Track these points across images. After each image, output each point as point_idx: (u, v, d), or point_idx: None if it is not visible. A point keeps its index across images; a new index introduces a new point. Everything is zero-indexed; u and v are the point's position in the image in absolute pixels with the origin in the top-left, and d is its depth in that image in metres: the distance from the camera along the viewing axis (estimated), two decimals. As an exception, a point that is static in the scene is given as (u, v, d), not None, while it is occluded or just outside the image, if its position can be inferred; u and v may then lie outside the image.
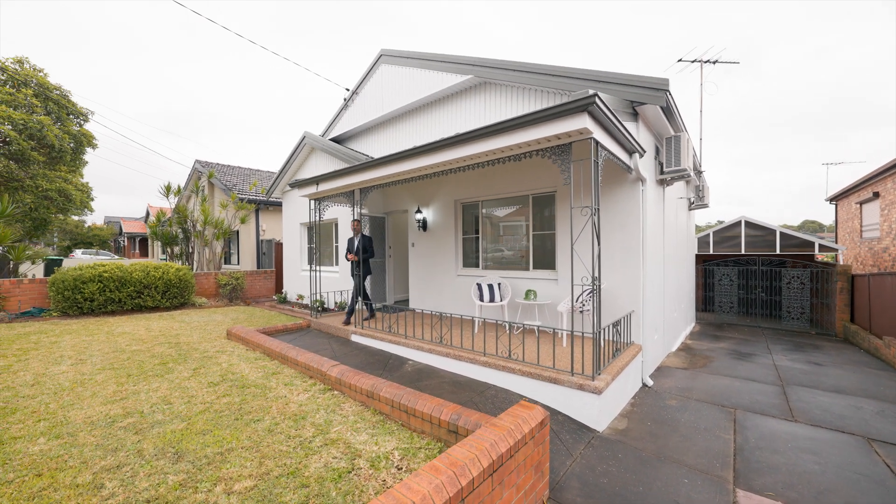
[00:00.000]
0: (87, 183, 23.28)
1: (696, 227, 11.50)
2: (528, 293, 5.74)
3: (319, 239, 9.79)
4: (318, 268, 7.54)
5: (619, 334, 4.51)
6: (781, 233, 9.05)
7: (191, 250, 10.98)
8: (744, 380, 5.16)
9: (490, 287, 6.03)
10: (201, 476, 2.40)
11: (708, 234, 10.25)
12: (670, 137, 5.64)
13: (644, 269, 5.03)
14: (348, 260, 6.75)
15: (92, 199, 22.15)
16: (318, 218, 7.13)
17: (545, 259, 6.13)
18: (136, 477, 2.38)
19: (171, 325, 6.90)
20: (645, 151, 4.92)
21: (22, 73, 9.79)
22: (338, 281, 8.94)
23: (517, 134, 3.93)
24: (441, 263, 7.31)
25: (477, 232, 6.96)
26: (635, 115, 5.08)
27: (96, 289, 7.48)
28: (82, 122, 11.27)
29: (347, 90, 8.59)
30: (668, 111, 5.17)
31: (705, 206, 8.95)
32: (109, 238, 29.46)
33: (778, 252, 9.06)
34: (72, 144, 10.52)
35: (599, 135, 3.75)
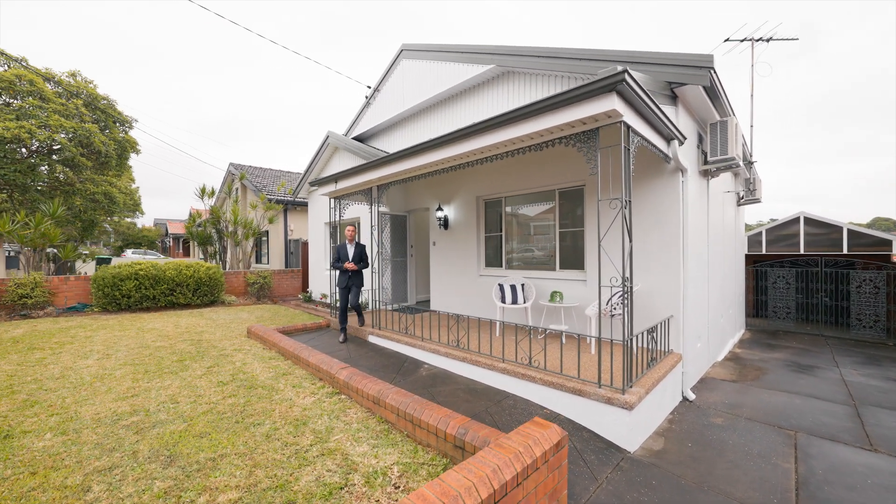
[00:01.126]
0: (137, 188, 25.03)
1: (746, 225, 10.48)
2: (553, 295, 5.33)
3: (342, 238, 9.79)
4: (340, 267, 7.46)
5: (656, 342, 4.03)
6: (849, 230, 8.01)
7: (224, 250, 11.38)
8: (805, 397, 4.50)
9: (512, 288, 5.68)
10: (188, 484, 2.26)
11: (760, 233, 9.29)
12: (715, 123, 5.06)
13: (684, 269, 4.50)
14: (344, 269, 5.94)
15: (138, 203, 23.74)
16: (338, 217, 7.07)
17: (573, 258, 5.70)
18: (125, 481, 2.28)
19: (197, 322, 7.08)
20: (685, 138, 4.41)
21: (74, 86, 10.62)
22: (360, 280, 8.87)
23: (537, 120, 3.58)
24: (463, 263, 7.03)
25: (500, 230, 6.63)
26: (674, 99, 4.57)
27: (132, 286, 7.84)
28: (127, 129, 12.07)
29: (369, 87, 8.52)
30: (713, 93, 4.61)
31: (756, 200, 8.09)
32: (157, 239, 31.70)
33: (845, 252, 8.02)
34: (117, 150, 11.26)
35: (631, 118, 3.34)
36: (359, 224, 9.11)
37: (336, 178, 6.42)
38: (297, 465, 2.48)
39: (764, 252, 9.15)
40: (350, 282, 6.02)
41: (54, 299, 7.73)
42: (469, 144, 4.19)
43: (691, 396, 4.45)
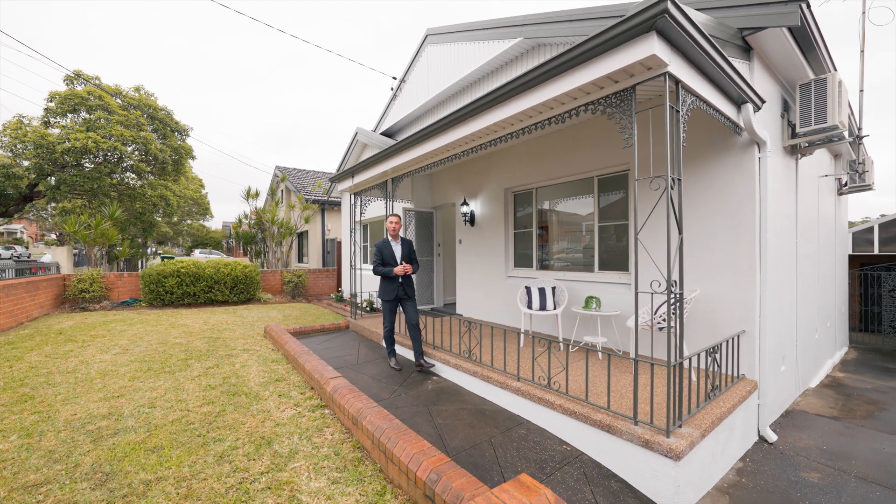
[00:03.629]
0: (206, 193, 27.47)
1: (849, 222, 8.53)
2: (588, 301, 4.50)
3: (369, 236, 9.58)
4: (361, 266, 7.19)
5: (719, 364, 3.09)
6: None
7: (266, 249, 11.78)
8: (951, 451, 3.23)
9: (541, 291, 4.92)
10: (103, 515, 1.93)
11: (870, 228, 7.47)
12: (808, 83, 3.91)
13: (762, 271, 3.47)
14: (391, 275, 4.32)
15: (207, 207, 25.94)
16: (360, 213, 6.78)
17: (616, 258, 4.80)
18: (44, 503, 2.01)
19: (226, 320, 7.17)
20: (763, 102, 3.40)
21: (137, 99, 11.72)
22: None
23: (550, 86, 2.90)
24: (490, 263, 6.37)
25: (531, 225, 5.87)
26: (747, 51, 3.56)
27: (175, 283, 8.23)
28: (184, 137, 13.08)
29: (394, 78, 8.18)
30: (804, 39, 3.54)
31: (866, 187, 6.46)
32: (223, 239, 34.74)
33: None
34: (174, 157, 12.23)
35: (680, 69, 2.51)
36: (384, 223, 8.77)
37: (352, 171, 6.11)
38: (232, 501, 2.05)
39: (876, 252, 7.31)
40: (400, 291, 4.37)
41: (110, 294, 8.37)
42: (476, 123, 3.61)
43: (772, 437, 3.41)
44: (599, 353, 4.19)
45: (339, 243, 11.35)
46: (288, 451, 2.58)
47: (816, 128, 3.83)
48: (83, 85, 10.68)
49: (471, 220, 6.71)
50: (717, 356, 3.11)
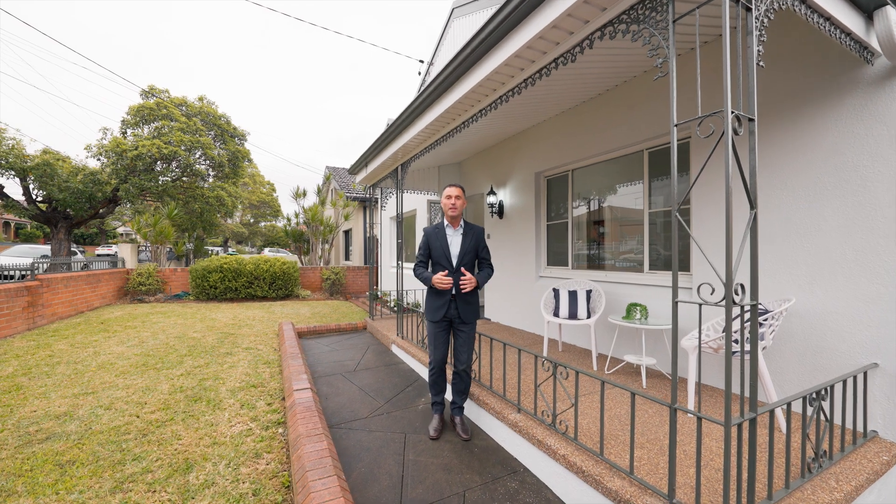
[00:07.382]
0: (277, 196, 29.72)
1: None
2: (630, 309, 3.46)
3: (403, 233, 9.14)
4: (381, 264, 6.74)
5: (828, 417, 1.98)
6: None
7: (312, 247, 12.03)
8: None
9: (572, 296, 3.96)
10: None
11: None
12: None
13: (909, 271, 2.23)
14: (440, 287, 2.66)
15: (278, 209, 27.90)
16: (380, 206, 6.34)
17: (671, 254, 3.66)
18: None
19: (255, 315, 7.20)
20: (913, 8, 2.16)
21: (198, 108, 12.82)
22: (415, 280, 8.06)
23: (547, 9, 2.06)
24: (519, 261, 5.49)
25: (566, 215, 4.89)
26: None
27: (217, 278, 8.58)
28: (242, 141, 14.01)
29: (421, 62, 7.61)
30: None
31: None
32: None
33: None
34: (231, 160, 13.14)
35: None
36: (415, 217, 8.27)
37: (366, 159, 5.66)
38: (81, 557, 1.59)
39: None
40: (452, 310, 2.73)
41: (165, 287, 9.01)
42: (458, 91, 2.92)
43: (929, 536, 2.14)
44: (644, 380, 3.15)
45: (377, 240, 11.17)
46: (202, 482, 2.09)
47: None
48: (154, 98, 11.97)
49: (499, 211, 5.89)
50: (826, 402, 1.99)
